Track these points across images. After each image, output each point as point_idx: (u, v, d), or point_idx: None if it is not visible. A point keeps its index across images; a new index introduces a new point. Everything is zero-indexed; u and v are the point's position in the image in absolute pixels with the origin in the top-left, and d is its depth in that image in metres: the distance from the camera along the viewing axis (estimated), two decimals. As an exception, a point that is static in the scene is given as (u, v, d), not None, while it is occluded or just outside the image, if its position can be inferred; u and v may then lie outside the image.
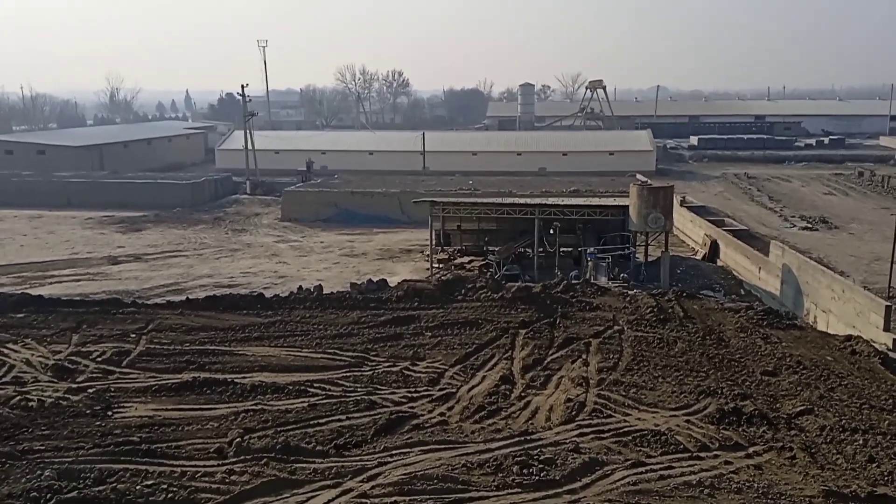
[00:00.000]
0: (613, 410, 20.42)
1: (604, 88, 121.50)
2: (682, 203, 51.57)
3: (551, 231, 38.07)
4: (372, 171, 74.44)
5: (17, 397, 21.34)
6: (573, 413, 20.16)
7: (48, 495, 15.76)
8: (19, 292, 32.48)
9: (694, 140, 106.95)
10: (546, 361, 24.28)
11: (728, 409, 20.01)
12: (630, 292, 32.43)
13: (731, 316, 28.96)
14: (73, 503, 15.60)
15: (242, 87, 74.26)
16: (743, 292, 35.99)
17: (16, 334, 26.89)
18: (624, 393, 21.53)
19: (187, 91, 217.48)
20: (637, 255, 38.57)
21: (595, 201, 41.67)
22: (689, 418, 19.91)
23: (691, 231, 48.09)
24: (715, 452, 18.05)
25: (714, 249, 42.19)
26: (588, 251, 37.11)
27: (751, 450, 18.23)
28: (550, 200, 41.98)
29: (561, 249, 38.72)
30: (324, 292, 31.54)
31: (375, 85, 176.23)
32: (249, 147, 71.93)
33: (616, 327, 27.44)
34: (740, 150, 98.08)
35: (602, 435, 18.92)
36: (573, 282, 33.52)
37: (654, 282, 35.69)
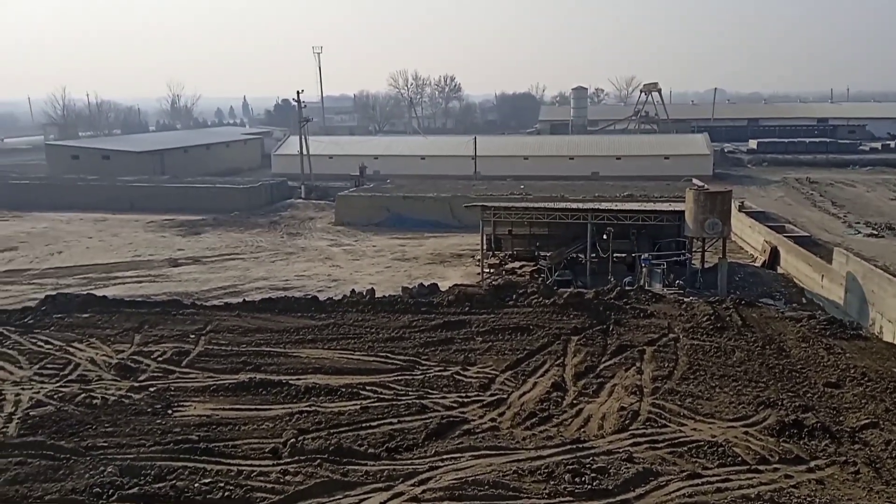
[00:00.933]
0: (668, 420, 20.03)
1: (659, 91, 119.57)
2: (741, 208, 50.32)
3: (604, 236, 37.59)
4: (424, 175, 74.83)
5: (82, 395, 22.16)
6: (627, 422, 19.86)
7: (110, 491, 16.29)
8: (85, 293, 33.68)
9: (753, 143, 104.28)
10: (599, 369, 23.98)
11: (789, 422, 19.40)
12: (686, 299, 31.80)
13: (793, 325, 28.12)
14: (133, 499, 16.09)
15: (298, 93, 75.77)
16: (805, 301, 34.87)
17: (81, 333, 27.92)
18: (679, 402, 21.10)
19: (245, 97, 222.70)
20: (693, 262, 37.78)
21: (650, 206, 40.99)
22: (747, 430, 19.38)
23: (750, 237, 46.88)
24: (775, 466, 17.53)
25: (774, 256, 41.02)
26: (642, 257, 36.53)
27: (812, 464, 17.64)
28: (604, 205, 41.48)
29: (614, 255, 38.20)
30: (376, 296, 31.84)
31: (427, 90, 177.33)
32: (304, 152, 73.16)
33: (671, 335, 26.93)
34: (802, 154, 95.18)
35: (656, 445, 18.58)
36: (627, 288, 33.04)
37: (710, 289, 34.90)
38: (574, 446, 18.40)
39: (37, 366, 24.72)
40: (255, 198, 65.65)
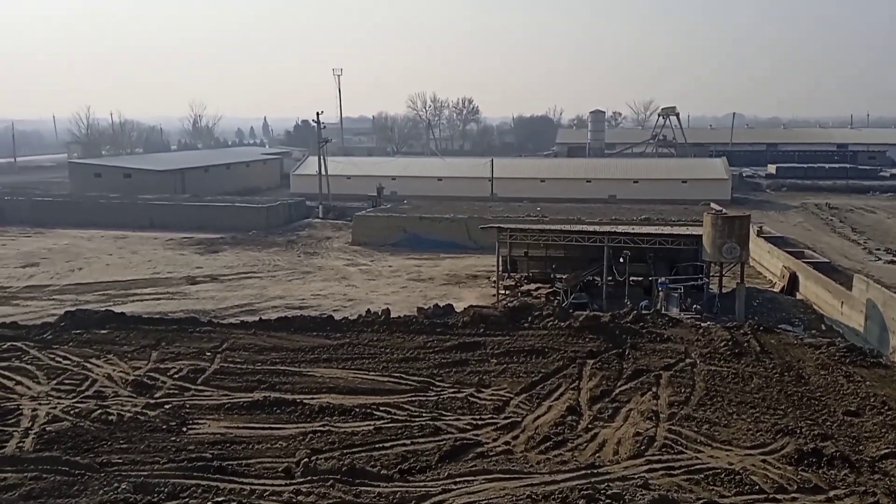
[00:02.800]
0: (685, 446, 19.80)
1: (677, 115, 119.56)
2: (759, 233, 49.96)
3: (621, 259, 37.45)
4: (440, 196, 75.10)
5: (99, 411, 22.31)
6: (642, 447, 19.66)
7: (124, 507, 16.34)
8: (104, 309, 33.98)
9: (772, 168, 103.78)
10: (614, 393, 23.79)
11: (807, 450, 19.11)
12: (703, 324, 31.53)
13: (812, 352, 27.78)
14: (147, 516, 16.13)
15: (317, 114, 76.57)
16: (824, 328, 34.44)
17: (99, 350, 28.16)
18: (696, 429, 20.87)
19: (265, 118, 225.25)
20: (711, 287, 37.50)
21: (667, 230, 40.82)
22: (765, 458, 19.11)
23: (769, 262, 46.48)
24: (793, 495, 17.25)
25: (793, 282, 40.62)
26: (659, 281, 36.32)
27: (831, 493, 17.34)
28: (620, 228, 41.36)
29: (631, 278, 38.02)
30: (391, 316, 31.86)
31: (445, 112, 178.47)
32: (323, 173, 73.75)
33: (688, 360, 26.70)
34: (821, 180, 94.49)
35: (673, 471, 18.36)
36: (643, 312, 32.83)
37: (728, 314, 34.60)
38: (589, 471, 18.22)
39: (54, 381, 24.93)
40: (273, 217, 66.16)
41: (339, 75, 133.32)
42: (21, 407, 22.61)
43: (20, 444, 20.01)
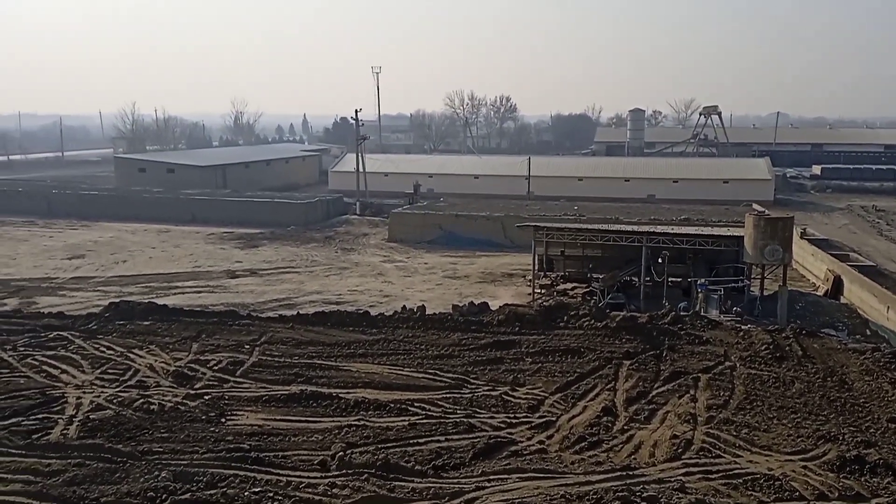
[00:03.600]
0: (723, 450, 19.51)
1: (719, 114, 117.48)
2: (803, 235, 48.85)
3: (659, 260, 36.95)
4: (477, 194, 75.02)
5: (140, 400, 22.86)
6: (679, 450, 19.42)
7: (164, 496, 16.72)
8: (147, 301, 34.77)
9: (816, 169, 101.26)
10: (651, 395, 23.54)
11: (850, 457, 18.68)
12: (743, 327, 30.98)
13: (856, 357, 27.10)
14: (186, 504, 16.46)
15: (356, 111, 77.06)
16: (869, 333, 33.54)
17: (142, 340, 28.82)
18: (735, 433, 20.54)
19: (305, 115, 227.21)
20: (752, 289, 36.81)
21: (707, 230, 40.18)
22: (806, 464, 18.74)
23: (812, 265, 45.44)
24: (834, 502, 16.91)
25: (837, 286, 39.64)
26: (699, 282, 35.78)
27: (874, 502, 16.99)
28: (659, 228, 40.83)
29: (669, 279, 37.51)
30: (426, 313, 31.96)
31: (483, 110, 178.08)
32: (360, 170, 74.25)
33: (727, 363, 26.28)
34: (868, 181, 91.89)
35: (710, 476, 18.11)
36: (682, 313, 32.40)
37: (770, 317, 33.92)
38: (624, 473, 18.07)
39: (98, 370, 25.61)
40: (311, 213, 66.82)
41: (377, 73, 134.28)
42: (66, 395, 23.27)
43: (65, 432, 20.60)
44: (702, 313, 33.22)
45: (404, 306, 33.57)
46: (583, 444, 19.95)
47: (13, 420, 21.27)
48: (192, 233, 60.44)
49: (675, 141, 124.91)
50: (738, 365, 26.02)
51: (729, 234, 37.93)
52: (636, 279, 38.37)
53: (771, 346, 27.41)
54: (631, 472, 18.14)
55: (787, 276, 35.59)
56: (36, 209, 70.53)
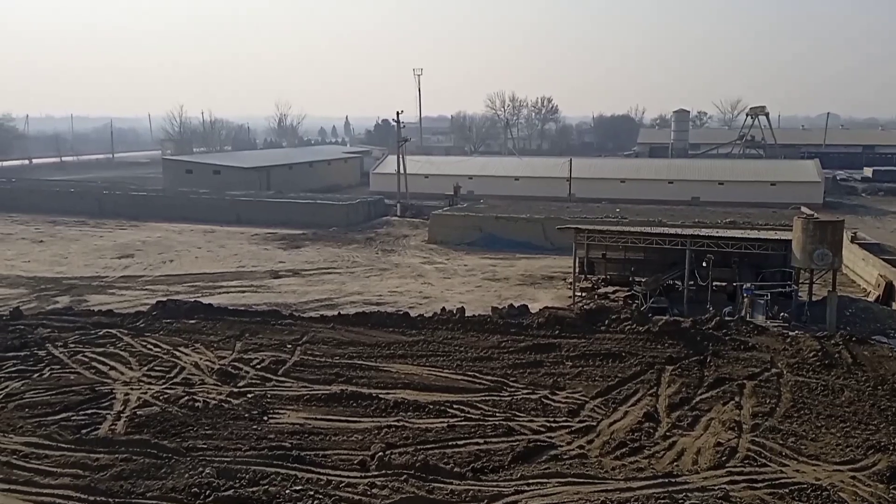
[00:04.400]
0: (769, 459, 19.08)
1: (766, 115, 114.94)
2: (854, 239, 47.49)
3: (704, 263, 36.31)
4: (517, 196, 74.79)
5: (186, 397, 23.32)
6: (723, 458, 19.05)
7: (207, 492, 17.03)
8: (192, 300, 35.48)
9: (868, 171, 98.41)
10: (694, 401, 23.14)
11: (902, 469, 18.08)
12: (791, 333, 30.26)
13: (909, 366, 26.21)
14: (228, 501, 16.74)
15: (397, 113, 77.54)
16: (923, 340, 32.45)
17: (187, 339, 29.43)
18: (781, 441, 20.07)
19: (347, 117, 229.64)
20: (800, 294, 35.94)
21: (753, 234, 39.34)
22: (855, 474, 18.20)
23: (863, 270, 44.13)
24: (885, 515, 16.37)
25: (889, 291, 38.41)
26: (744, 287, 35.05)
27: (928, 516, 16.36)
28: (704, 231, 40.11)
29: (714, 284, 36.83)
30: (466, 315, 31.95)
31: (524, 111, 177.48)
32: (401, 171, 74.68)
33: (774, 370, 25.68)
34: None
35: (755, 484, 17.72)
36: (727, 318, 31.79)
37: (818, 323, 33.05)
38: (666, 480, 17.80)
39: (145, 367, 26.22)
40: (352, 214, 67.44)
41: (419, 75, 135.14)
42: (114, 391, 23.88)
43: (112, 427, 21.13)
44: (748, 318, 32.54)
45: (444, 308, 33.63)
46: (624, 449, 19.70)
47: (63, 415, 21.93)
48: (236, 233, 61.50)
49: (721, 142, 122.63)
50: (785, 372, 25.41)
51: (776, 237, 37.10)
52: (679, 283, 37.77)
53: (819, 353, 26.70)
54: (673, 480, 17.86)
55: (837, 281, 34.63)
56: (87, 209, 72.63)
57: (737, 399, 23.17)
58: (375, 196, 76.08)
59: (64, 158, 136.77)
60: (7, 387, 24.20)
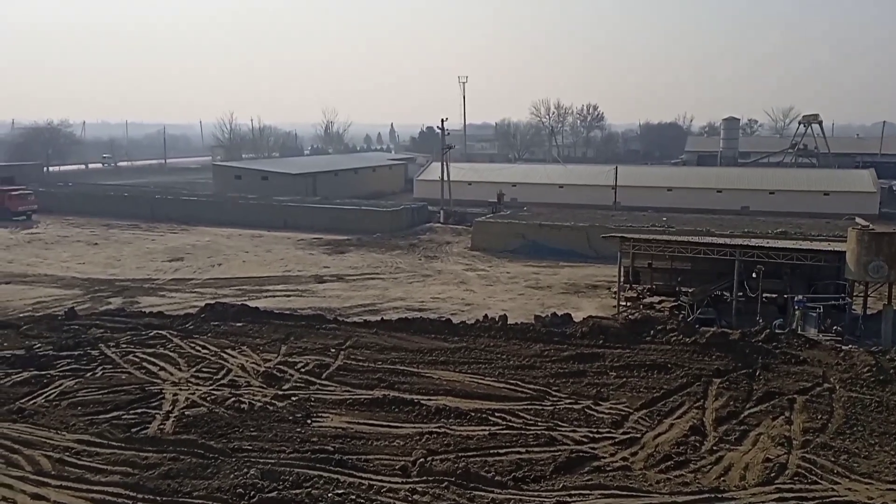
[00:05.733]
0: (819, 477, 18.53)
1: (819, 123, 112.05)
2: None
3: (754, 274, 35.50)
4: (561, 204, 74.32)
5: (232, 399, 23.73)
6: (772, 475, 18.57)
7: (251, 493, 17.27)
8: (239, 303, 36.11)
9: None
10: (742, 415, 22.61)
11: (963, 492, 17.36)
12: (844, 348, 29.34)
13: (971, 384, 25.16)
14: (272, 503, 16.96)
15: (442, 121, 77.92)
16: None
17: (234, 341, 29.96)
18: (833, 459, 19.47)
19: (392, 124, 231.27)
20: (854, 307, 34.84)
21: (806, 245, 38.34)
22: (911, 496, 17.54)
23: (922, 283, 42.53)
24: (945, 540, 15.72)
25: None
26: (796, 299, 34.14)
27: None
28: (754, 241, 39.24)
29: (764, 295, 35.97)
30: (508, 322, 31.83)
31: (569, 119, 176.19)
32: (445, 178, 74.91)
33: (826, 385, 24.94)
34: None
35: (805, 502, 17.23)
36: (777, 331, 31.00)
37: (873, 338, 32.00)
38: (712, 495, 17.43)
39: (193, 369, 26.78)
40: (396, 221, 67.87)
41: (464, 83, 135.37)
42: (164, 391, 24.44)
43: (161, 426, 21.62)
44: (799, 332, 31.68)
45: (486, 315, 33.55)
46: (669, 462, 19.35)
47: (114, 413, 22.52)
48: (283, 238, 62.43)
49: (772, 151, 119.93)
50: (837, 387, 24.66)
51: (830, 248, 36.08)
52: (728, 294, 37.00)
53: (874, 369, 25.84)
54: (719, 495, 17.48)
55: (893, 294, 33.51)
56: (140, 213, 74.62)
57: (787, 414, 22.58)
58: (419, 203, 76.40)
59: (119, 164, 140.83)
60: (61, 385, 24.99)
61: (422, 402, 23.29)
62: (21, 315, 35.09)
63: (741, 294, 36.23)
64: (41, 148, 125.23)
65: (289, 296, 41.75)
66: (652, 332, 30.04)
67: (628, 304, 38.68)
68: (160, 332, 31.05)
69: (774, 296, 36.63)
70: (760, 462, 19.22)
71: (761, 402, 23.56)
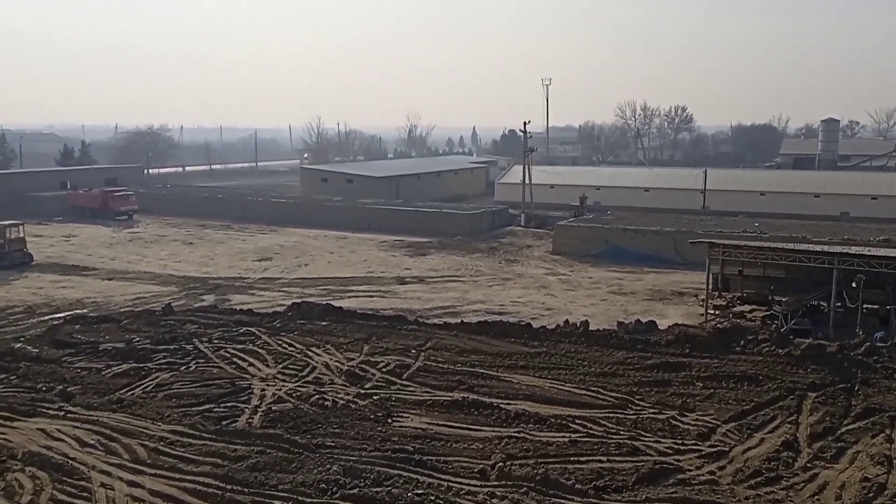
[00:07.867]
0: (925, 501, 17.36)
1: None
2: None
3: (853, 284, 33.65)
4: (646, 208, 72.56)
5: (316, 396, 24.37)
6: (870, 494, 17.58)
7: (334, 488, 17.69)
8: (324, 303, 37.01)
9: None
10: (839, 432, 21.48)
11: None
12: (954, 363, 27.39)
13: None
14: (353, 500, 17.30)
15: (524, 124, 77.48)
16: None
17: (319, 340, 30.73)
18: (939, 482, 18.20)
19: (474, 128, 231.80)
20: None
21: (912, 254, 36.01)
22: None
23: None
24: None
25: None
26: (899, 311, 32.17)
27: None
28: (854, 249, 37.20)
29: (864, 306, 34.03)
30: (590, 328, 31.34)
31: (656, 121, 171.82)
32: (527, 181, 74.48)
33: (933, 403, 23.36)
34: None
35: (908, 527, 16.18)
36: (878, 344, 29.28)
37: None
38: (805, 515, 16.61)
39: (280, 365, 27.63)
40: (477, 224, 67.98)
41: (547, 85, 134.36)
42: (252, 386, 25.33)
43: (249, 420, 22.41)
44: (903, 345, 29.81)
45: (567, 320, 33.15)
46: (759, 478, 18.59)
47: (206, 406, 23.51)
48: (366, 240, 63.58)
49: (875, 154, 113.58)
50: (946, 406, 23.05)
51: (939, 258, 33.77)
52: (825, 304, 35.22)
53: None
54: (813, 515, 16.65)
55: None
56: (232, 214, 77.61)
57: (888, 432, 21.30)
58: (500, 206, 76.27)
59: (213, 167, 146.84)
60: (158, 377, 26.28)
61: (501, 405, 23.23)
62: (122, 310, 37.12)
63: (839, 304, 34.42)
64: (142, 151, 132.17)
65: (371, 296, 42.47)
66: (742, 342, 28.94)
67: (717, 312, 37.40)
68: (250, 328, 32.18)
69: (876, 307, 34.64)
70: (858, 481, 18.21)
71: (860, 419, 22.31)
